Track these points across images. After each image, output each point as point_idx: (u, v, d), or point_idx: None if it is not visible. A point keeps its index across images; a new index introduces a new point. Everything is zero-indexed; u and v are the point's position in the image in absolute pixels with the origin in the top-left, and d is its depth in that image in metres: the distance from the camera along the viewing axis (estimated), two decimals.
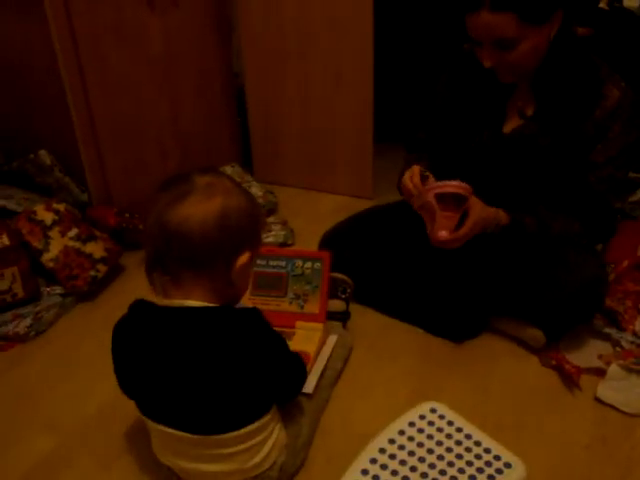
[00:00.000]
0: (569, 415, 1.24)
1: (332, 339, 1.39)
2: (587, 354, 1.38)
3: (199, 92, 2.10)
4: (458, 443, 1.08)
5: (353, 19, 1.92)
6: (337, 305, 1.49)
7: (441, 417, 1.13)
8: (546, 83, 1.29)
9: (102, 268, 1.65)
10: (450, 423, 1.12)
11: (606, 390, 1.27)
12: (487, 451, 1.06)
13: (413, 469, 1.03)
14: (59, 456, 1.18)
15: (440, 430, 1.11)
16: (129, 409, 1.09)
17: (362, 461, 1.05)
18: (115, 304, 1.59)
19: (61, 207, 1.66)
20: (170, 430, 0.98)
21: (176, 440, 0.98)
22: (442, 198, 1.24)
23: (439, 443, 1.08)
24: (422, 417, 1.14)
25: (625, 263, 1.62)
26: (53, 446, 1.20)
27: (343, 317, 1.49)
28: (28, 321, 1.51)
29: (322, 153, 2.19)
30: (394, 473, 1.03)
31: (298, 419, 1.14)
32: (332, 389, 1.31)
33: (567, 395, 1.29)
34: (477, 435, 1.10)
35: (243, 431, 0.97)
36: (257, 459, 1.01)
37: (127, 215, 1.80)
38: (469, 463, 1.04)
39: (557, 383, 1.32)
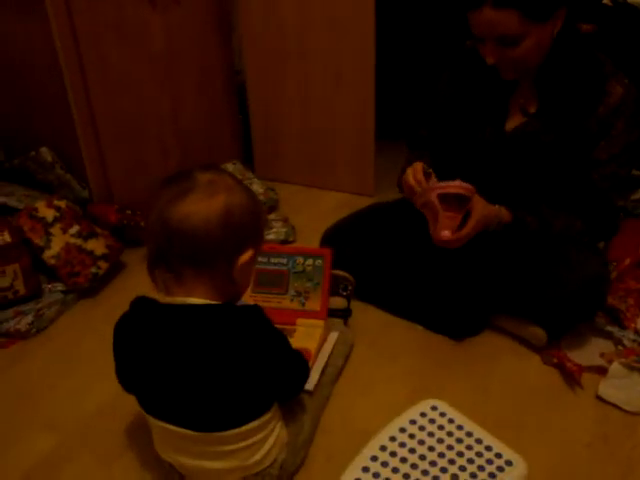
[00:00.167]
0: (570, 413, 1.24)
1: (333, 336, 1.39)
2: (589, 352, 1.38)
3: (200, 89, 2.09)
4: (459, 441, 1.08)
5: (354, 16, 1.91)
6: (338, 302, 1.49)
7: (442, 415, 1.13)
8: (549, 80, 1.28)
9: (103, 265, 1.64)
10: (451, 421, 1.12)
11: (608, 388, 1.26)
12: (488, 449, 1.06)
13: (414, 466, 1.03)
14: (60, 454, 1.18)
15: (441, 428, 1.11)
16: (130, 406, 1.09)
17: (363, 458, 1.05)
18: (116, 301, 1.59)
19: (62, 204, 1.66)
20: (172, 427, 0.97)
21: (178, 437, 0.98)
22: (445, 198, 1.24)
23: (440, 441, 1.08)
24: (423, 415, 1.13)
25: (627, 261, 1.62)
26: (54, 444, 1.20)
27: (344, 314, 1.49)
28: (29, 318, 1.51)
29: (323, 150, 2.19)
30: (395, 470, 1.03)
31: (299, 416, 1.14)
32: (333, 386, 1.30)
33: (568, 393, 1.29)
34: (478, 433, 1.09)
35: (244, 428, 0.97)
36: (258, 456, 1.01)
37: (128, 212, 1.80)
38: (470, 461, 1.04)
39: (558, 381, 1.32)
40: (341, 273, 1.50)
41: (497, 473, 1.01)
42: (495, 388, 1.31)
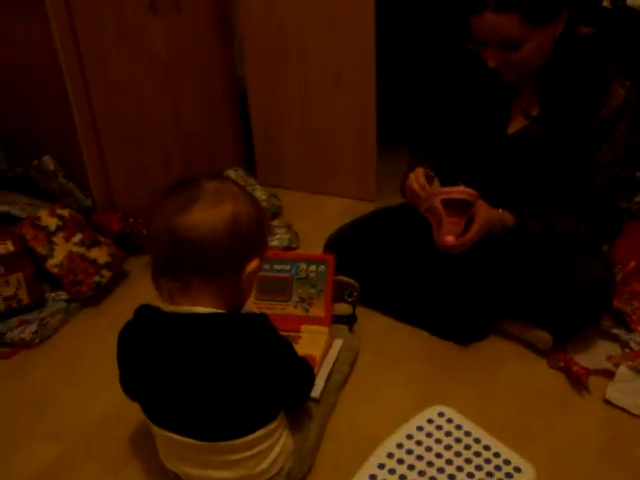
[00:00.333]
0: (578, 418, 1.23)
1: (338, 343, 1.38)
2: (595, 355, 1.37)
3: (202, 95, 2.10)
4: (467, 447, 1.07)
5: (354, 20, 1.91)
6: (344, 308, 1.48)
7: (449, 421, 1.13)
8: (551, 83, 1.28)
9: (106, 273, 1.64)
10: (458, 427, 1.11)
11: (615, 392, 1.26)
12: (497, 455, 1.05)
13: (422, 473, 1.03)
14: (63, 463, 1.17)
15: (449, 434, 1.10)
16: (134, 415, 1.08)
17: (370, 466, 1.05)
18: (119, 309, 1.59)
19: (65, 212, 1.66)
20: (177, 437, 0.97)
21: (183, 447, 0.98)
22: (448, 203, 1.24)
23: (448, 447, 1.07)
24: (430, 421, 1.13)
25: (632, 264, 1.61)
26: (57, 453, 1.19)
27: (349, 320, 1.48)
28: (33, 327, 1.51)
29: (325, 156, 2.19)
30: (402, 478, 1.02)
31: (305, 424, 1.13)
32: (339, 393, 1.30)
33: (575, 397, 1.28)
34: (486, 439, 1.09)
35: (251, 437, 0.96)
36: (264, 465, 1.01)
37: (131, 220, 1.80)
38: (478, 467, 1.03)
39: (565, 385, 1.31)
40: (346, 279, 1.49)
41: None
42: (501, 393, 1.30)
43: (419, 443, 1.08)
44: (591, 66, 1.26)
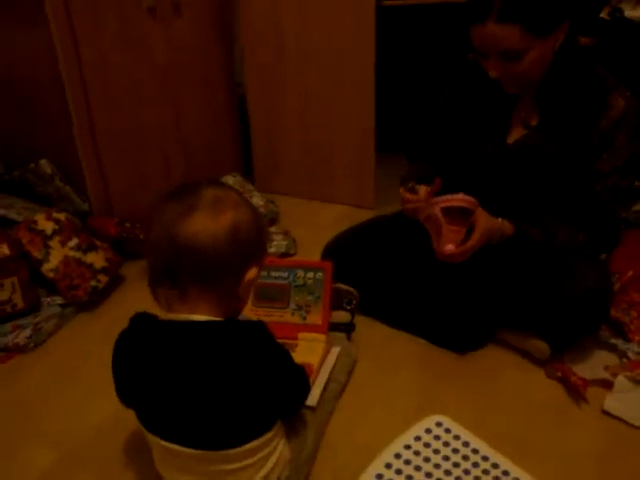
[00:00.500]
0: (576, 428, 1.22)
1: (335, 350, 1.37)
2: (593, 365, 1.37)
3: (202, 102, 2.09)
4: (465, 458, 1.06)
5: (354, 29, 1.91)
6: (342, 316, 1.47)
7: (447, 431, 1.12)
8: (550, 93, 1.29)
9: (103, 278, 1.63)
10: (456, 437, 1.11)
11: (614, 402, 1.25)
12: (495, 466, 1.04)
13: None
14: (59, 470, 1.16)
15: (447, 444, 1.09)
16: (130, 422, 1.07)
17: (368, 476, 1.04)
18: (115, 314, 1.58)
19: (61, 216, 1.65)
20: (174, 445, 0.96)
21: (180, 456, 0.96)
22: (448, 211, 1.24)
23: (446, 458, 1.07)
24: (428, 431, 1.12)
25: (630, 273, 1.62)
26: (53, 460, 1.18)
27: (348, 328, 1.47)
28: (28, 332, 1.50)
29: (323, 162, 2.19)
30: None
31: (302, 433, 1.12)
32: (336, 401, 1.29)
33: (573, 408, 1.27)
34: (484, 450, 1.08)
35: (249, 446, 0.95)
36: (261, 474, 0.99)
37: (128, 225, 1.79)
38: (477, 478, 1.02)
39: (563, 396, 1.31)
40: (345, 287, 1.49)
41: None
42: (499, 402, 1.29)
43: (417, 453, 1.08)
44: (591, 77, 1.26)
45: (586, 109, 1.26)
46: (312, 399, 1.18)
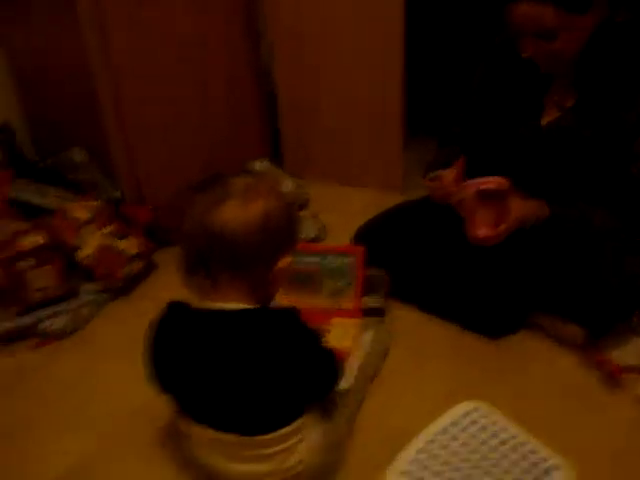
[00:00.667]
0: (610, 415, 1.20)
1: (368, 335, 1.37)
2: (628, 352, 1.34)
3: (230, 87, 2.09)
4: (503, 443, 1.05)
5: (383, 11, 1.89)
6: (374, 301, 1.47)
7: (484, 416, 1.11)
8: (589, 71, 1.25)
9: (136, 265, 1.65)
10: (494, 422, 1.10)
11: None
12: (533, 452, 1.03)
13: (457, 469, 1.01)
14: (97, 455, 1.18)
15: (484, 429, 1.08)
16: (164, 407, 1.09)
17: (402, 461, 1.04)
18: (149, 300, 1.60)
19: (95, 204, 1.67)
20: (212, 431, 0.97)
21: (216, 441, 0.98)
22: (482, 194, 1.22)
23: (483, 442, 1.06)
24: (465, 416, 1.11)
25: None
26: (91, 445, 1.20)
27: (379, 313, 1.47)
28: (64, 318, 1.52)
29: (352, 146, 2.17)
30: (437, 474, 1.01)
31: (334, 417, 1.13)
32: (369, 386, 1.29)
33: (607, 394, 1.25)
34: (522, 435, 1.07)
35: (284, 431, 0.97)
36: (294, 459, 1.01)
37: (160, 212, 1.80)
38: (514, 464, 1.02)
39: (597, 382, 1.29)
40: (376, 271, 1.48)
41: (543, 477, 0.99)
42: (532, 388, 1.28)
43: (454, 438, 1.07)
44: (629, 54, 1.23)
45: (625, 88, 1.23)
46: (345, 383, 1.19)
